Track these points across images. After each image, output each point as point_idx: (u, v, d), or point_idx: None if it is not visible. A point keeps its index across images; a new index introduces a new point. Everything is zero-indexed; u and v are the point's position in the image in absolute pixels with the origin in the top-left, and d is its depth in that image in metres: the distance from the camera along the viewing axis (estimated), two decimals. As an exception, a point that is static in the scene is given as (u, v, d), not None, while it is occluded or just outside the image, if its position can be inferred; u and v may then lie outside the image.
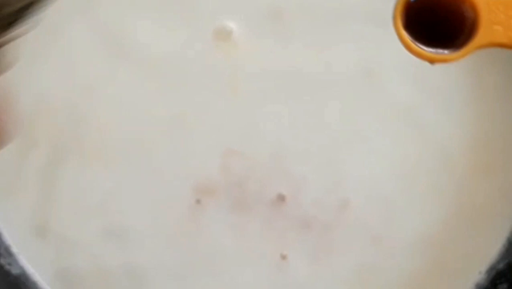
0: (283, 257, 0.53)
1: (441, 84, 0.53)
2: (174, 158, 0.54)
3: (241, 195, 0.53)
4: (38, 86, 0.54)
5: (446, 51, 0.32)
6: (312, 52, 0.53)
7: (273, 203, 0.53)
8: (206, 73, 0.54)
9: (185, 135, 0.54)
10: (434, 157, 0.53)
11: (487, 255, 0.54)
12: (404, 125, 0.53)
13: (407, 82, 0.53)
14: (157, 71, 0.54)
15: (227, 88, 0.54)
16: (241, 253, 0.53)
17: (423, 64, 0.50)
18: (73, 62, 0.54)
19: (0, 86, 0.29)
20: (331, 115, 0.53)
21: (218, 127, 0.53)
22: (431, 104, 0.53)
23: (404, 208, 0.53)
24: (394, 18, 0.32)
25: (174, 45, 0.53)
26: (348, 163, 0.53)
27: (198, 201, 0.53)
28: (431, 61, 0.33)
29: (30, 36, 0.31)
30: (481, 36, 0.31)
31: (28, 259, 0.55)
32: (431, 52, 0.33)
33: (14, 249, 0.55)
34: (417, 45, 0.33)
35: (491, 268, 0.53)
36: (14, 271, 0.54)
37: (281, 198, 0.53)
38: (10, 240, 0.55)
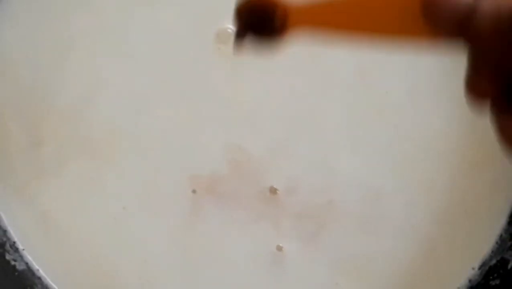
0: (279, 248, 0.54)
1: (431, 83, 0.54)
2: (174, 153, 0.54)
3: (237, 188, 0.54)
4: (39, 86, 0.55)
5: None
6: (310, 54, 0.53)
7: (267, 195, 0.54)
8: (207, 74, 0.54)
9: (185, 132, 0.54)
10: (426, 154, 0.54)
11: (480, 251, 0.54)
12: (395, 123, 0.54)
13: (398, 81, 0.54)
14: (159, 71, 0.54)
15: (226, 88, 0.54)
16: (238, 245, 0.54)
17: (414, 64, 0.51)
18: (75, 62, 0.55)
19: None
20: (327, 113, 0.54)
21: (217, 126, 0.54)
22: (421, 102, 0.54)
23: (396, 204, 0.54)
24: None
25: (176, 46, 0.54)
26: (341, 158, 0.54)
27: (194, 191, 0.54)
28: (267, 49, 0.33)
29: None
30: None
31: (33, 256, 0.55)
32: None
33: (20, 245, 0.55)
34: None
35: (484, 264, 0.54)
36: (20, 267, 0.55)
37: (273, 191, 0.54)
38: (16, 237, 0.55)
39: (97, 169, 0.54)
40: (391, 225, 0.54)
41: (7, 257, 0.55)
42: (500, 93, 0.28)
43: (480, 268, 0.54)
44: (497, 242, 0.54)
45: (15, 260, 0.55)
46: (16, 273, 0.55)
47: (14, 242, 0.55)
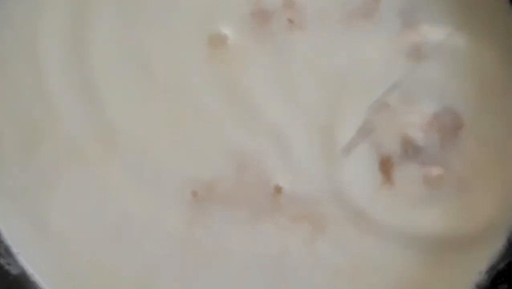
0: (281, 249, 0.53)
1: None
2: (172, 157, 0.54)
3: (238, 189, 0.54)
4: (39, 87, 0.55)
5: None
6: (306, 57, 0.54)
7: (269, 196, 0.53)
8: (202, 78, 0.54)
9: (183, 135, 0.54)
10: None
11: (488, 255, 0.54)
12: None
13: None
14: (155, 74, 0.54)
15: (223, 91, 0.54)
16: (238, 247, 0.53)
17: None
18: (73, 64, 0.54)
19: None
20: (324, 115, 0.54)
21: (215, 128, 0.54)
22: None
23: (402, 208, 0.53)
24: None
25: (170, 50, 0.54)
26: (342, 159, 0.54)
27: (194, 194, 0.54)
28: None
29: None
30: None
31: (27, 259, 0.55)
32: None
33: (14, 249, 0.55)
34: None
35: (492, 268, 0.53)
36: (14, 271, 0.54)
37: (278, 190, 0.53)
38: (10, 241, 0.55)
39: (94, 173, 0.54)
40: (396, 228, 0.53)
41: (1, 261, 0.54)
42: None
43: (487, 272, 0.53)
44: (505, 246, 0.54)
45: (9, 264, 0.54)
46: (11, 278, 0.54)
47: (9, 246, 0.55)
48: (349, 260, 0.53)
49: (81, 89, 0.54)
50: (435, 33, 0.53)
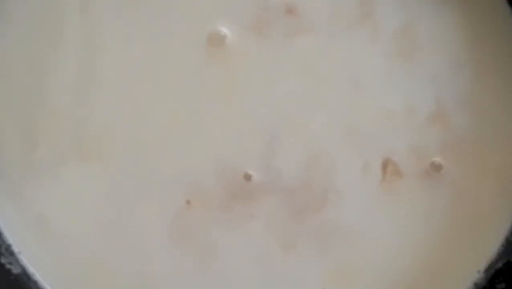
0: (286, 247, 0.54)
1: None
2: (168, 160, 0.54)
3: (233, 195, 0.54)
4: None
5: None
6: (305, 57, 0.53)
7: (258, 197, 0.54)
8: (200, 79, 0.54)
9: (178, 136, 0.54)
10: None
11: (486, 255, 0.53)
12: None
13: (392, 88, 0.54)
14: (152, 75, 0.54)
15: (220, 92, 0.54)
16: (230, 248, 0.54)
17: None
18: (71, 64, 0.54)
19: None
20: (321, 118, 0.54)
21: (211, 132, 0.54)
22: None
23: (400, 206, 0.53)
24: None
25: (169, 49, 0.54)
26: (337, 162, 0.54)
27: (188, 202, 0.54)
28: None
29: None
30: None
31: (28, 259, 0.55)
32: None
33: (15, 248, 0.55)
34: None
35: (490, 267, 0.53)
36: (15, 270, 0.54)
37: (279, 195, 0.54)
38: (11, 240, 0.55)
39: (92, 172, 0.54)
40: (392, 227, 0.53)
41: (2, 260, 0.54)
42: None
43: (485, 271, 0.53)
44: (503, 245, 0.53)
45: (10, 264, 0.54)
46: (12, 277, 0.54)
47: (10, 245, 0.55)
48: (347, 263, 0.53)
49: (80, 89, 0.54)
50: (432, 36, 0.53)
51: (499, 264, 0.53)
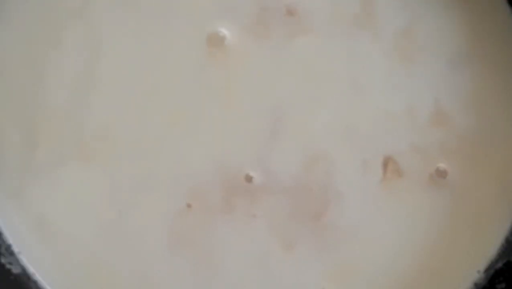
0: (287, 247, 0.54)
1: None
2: (168, 159, 0.54)
3: (233, 197, 0.54)
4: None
5: None
6: (304, 58, 0.53)
7: (257, 198, 0.54)
8: (200, 79, 0.54)
9: (179, 136, 0.54)
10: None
11: (486, 255, 0.54)
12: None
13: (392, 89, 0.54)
14: (151, 76, 0.54)
15: (220, 92, 0.54)
16: (230, 249, 0.54)
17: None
18: (70, 65, 0.54)
19: None
20: (322, 118, 0.54)
21: (211, 133, 0.54)
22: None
23: (400, 206, 0.53)
24: None
25: (169, 50, 0.54)
26: (336, 163, 0.54)
27: (189, 205, 0.54)
28: None
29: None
30: None
31: (28, 259, 0.55)
32: None
33: (15, 248, 0.55)
34: None
35: (490, 267, 0.53)
36: (15, 270, 0.54)
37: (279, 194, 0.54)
38: (11, 240, 0.55)
39: (92, 172, 0.54)
40: (392, 227, 0.53)
41: (3, 260, 0.54)
42: None
43: (485, 271, 0.53)
44: (503, 245, 0.53)
45: (10, 264, 0.55)
46: (12, 277, 0.54)
47: (10, 245, 0.55)
48: (348, 264, 0.54)
49: (80, 89, 0.54)
50: (432, 37, 0.53)
51: (499, 264, 0.53)
